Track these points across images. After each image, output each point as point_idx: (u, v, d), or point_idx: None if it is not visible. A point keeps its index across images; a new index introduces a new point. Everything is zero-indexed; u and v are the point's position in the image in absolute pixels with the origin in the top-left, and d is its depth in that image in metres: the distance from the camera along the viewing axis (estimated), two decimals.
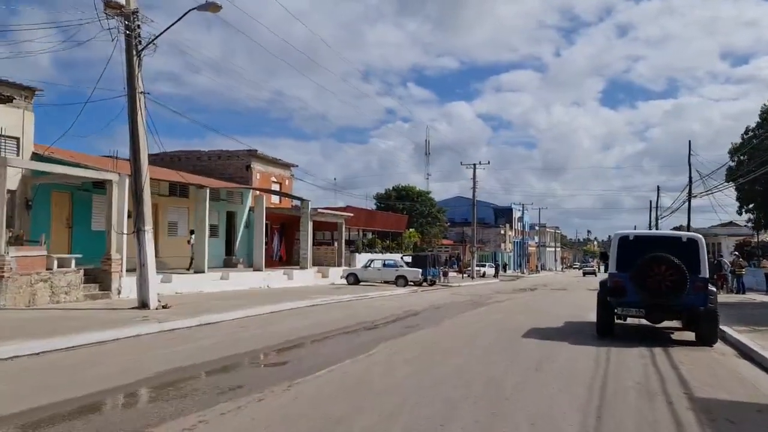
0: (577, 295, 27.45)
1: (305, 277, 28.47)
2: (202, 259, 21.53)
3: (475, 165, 51.49)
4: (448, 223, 74.20)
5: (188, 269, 22.70)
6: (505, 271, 65.17)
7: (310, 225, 29.55)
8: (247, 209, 29.23)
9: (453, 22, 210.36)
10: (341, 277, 30.58)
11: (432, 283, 33.23)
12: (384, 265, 30.56)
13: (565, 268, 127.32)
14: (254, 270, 25.28)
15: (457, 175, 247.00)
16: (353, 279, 30.14)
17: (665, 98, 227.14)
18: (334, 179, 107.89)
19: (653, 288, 10.43)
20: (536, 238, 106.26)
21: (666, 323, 11.91)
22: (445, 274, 36.93)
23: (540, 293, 28.49)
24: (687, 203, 33.92)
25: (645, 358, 9.14)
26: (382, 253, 39.05)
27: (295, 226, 30.53)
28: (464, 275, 47.30)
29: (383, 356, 8.86)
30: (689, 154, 32.64)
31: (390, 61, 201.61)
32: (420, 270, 30.86)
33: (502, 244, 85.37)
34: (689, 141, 33.52)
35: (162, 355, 8.76)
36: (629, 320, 12.39)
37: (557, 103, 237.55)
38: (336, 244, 33.66)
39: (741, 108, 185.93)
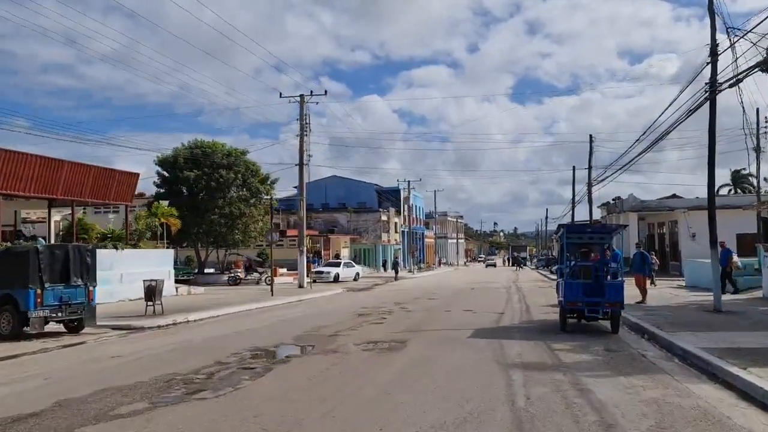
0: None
1: None
2: None
3: (302, 96, 30.42)
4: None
5: None
6: (396, 269, 44.20)
7: None
8: None
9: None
10: None
11: (74, 327, 11.83)
12: None
13: (470, 261, 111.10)
14: None
15: (373, 172, 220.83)
16: None
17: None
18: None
19: None
20: (434, 228, 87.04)
21: None
22: (151, 294, 15.40)
23: None
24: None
25: None
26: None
27: None
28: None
29: None
30: None
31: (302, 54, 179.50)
32: None
33: (385, 235, 64.87)
34: None
35: None
36: None
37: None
38: None
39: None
